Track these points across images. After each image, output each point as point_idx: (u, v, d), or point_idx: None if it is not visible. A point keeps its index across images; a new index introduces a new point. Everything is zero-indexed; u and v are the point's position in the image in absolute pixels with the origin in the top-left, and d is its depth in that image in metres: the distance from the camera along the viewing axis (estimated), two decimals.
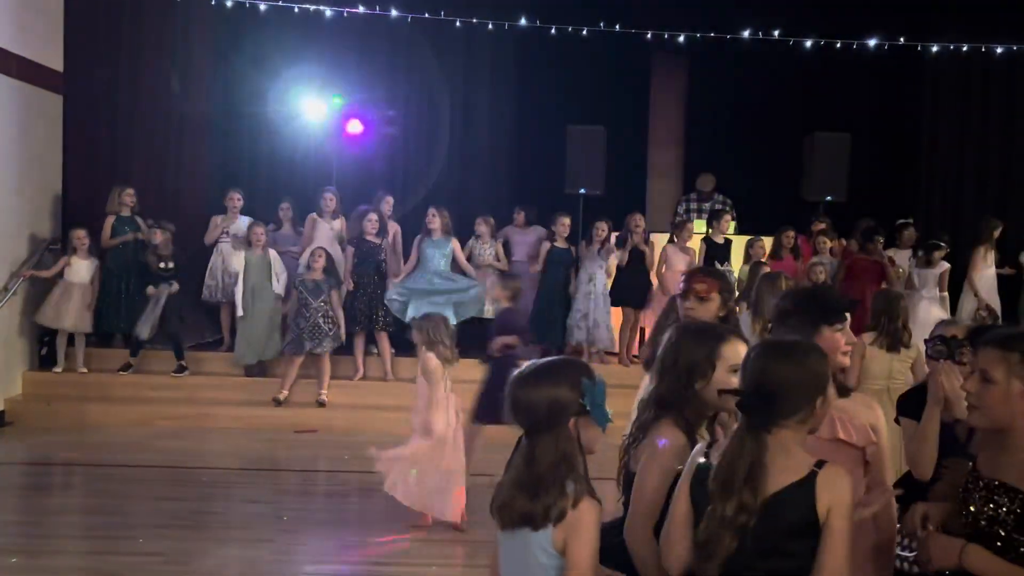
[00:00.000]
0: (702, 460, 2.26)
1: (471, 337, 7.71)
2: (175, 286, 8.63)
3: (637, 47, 10.88)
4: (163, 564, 5.04)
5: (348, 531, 5.77)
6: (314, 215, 9.19)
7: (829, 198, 10.10)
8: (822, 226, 9.58)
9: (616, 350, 9.23)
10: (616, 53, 10.89)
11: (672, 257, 9.12)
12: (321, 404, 8.54)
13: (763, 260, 8.54)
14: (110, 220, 8.83)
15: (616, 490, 2.71)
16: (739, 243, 9.40)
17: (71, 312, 8.52)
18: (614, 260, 9.00)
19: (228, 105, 10.48)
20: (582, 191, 9.90)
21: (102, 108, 9.73)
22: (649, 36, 10.71)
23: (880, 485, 2.86)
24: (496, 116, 11.29)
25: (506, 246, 9.47)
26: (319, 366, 8.57)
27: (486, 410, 5.92)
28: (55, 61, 9.09)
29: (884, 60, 10.78)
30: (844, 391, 2.87)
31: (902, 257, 9.50)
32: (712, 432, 2.57)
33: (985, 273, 9.53)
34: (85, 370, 8.75)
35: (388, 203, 9.48)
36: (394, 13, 10.34)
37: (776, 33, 10.64)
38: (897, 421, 3.46)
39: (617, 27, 10.42)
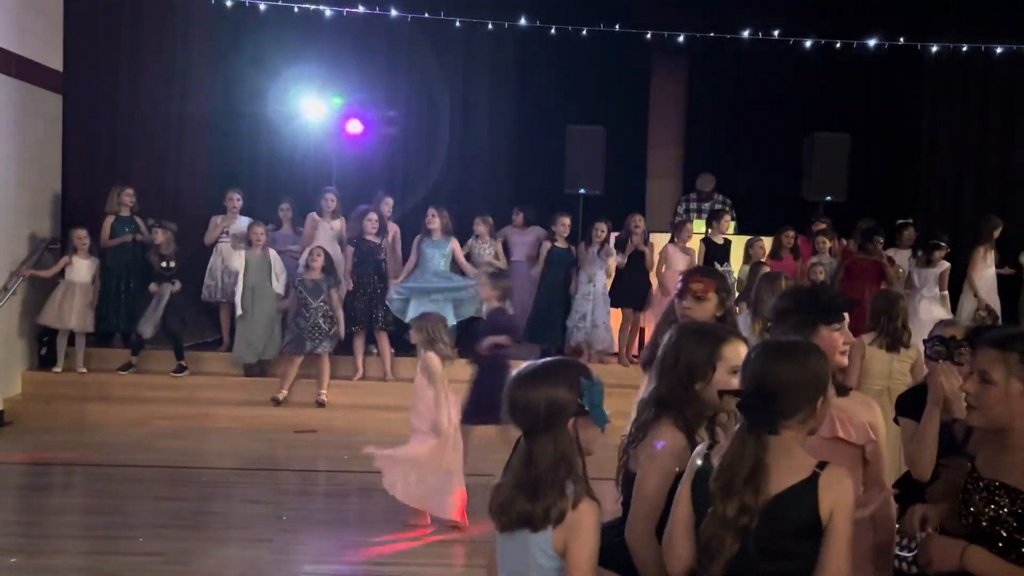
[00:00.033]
0: (703, 461, 2.26)
1: (470, 336, 7.70)
2: (177, 284, 8.63)
3: (637, 47, 10.89)
4: (163, 564, 5.04)
5: (348, 531, 5.76)
6: (314, 214, 9.20)
7: (829, 198, 10.09)
8: (822, 226, 9.58)
9: (616, 350, 9.23)
10: (616, 53, 10.89)
11: (673, 257, 9.12)
12: (321, 404, 8.54)
13: (763, 260, 8.54)
14: (109, 220, 8.82)
15: (615, 490, 2.71)
16: (739, 243, 9.40)
17: (75, 312, 8.52)
18: (613, 262, 9.00)
19: (228, 105, 10.47)
20: (582, 191, 9.89)
21: (102, 108, 9.74)
22: (649, 36, 10.71)
23: (878, 484, 2.86)
24: (496, 116, 11.28)
25: (505, 247, 9.47)
26: (319, 366, 8.57)
27: (476, 411, 5.92)
28: (55, 61, 9.09)
29: (884, 60, 10.78)
30: (843, 390, 2.87)
31: (902, 257, 9.50)
32: (711, 433, 2.57)
33: (985, 273, 9.53)
34: (84, 370, 8.75)
35: (388, 203, 9.48)
36: (394, 13, 10.34)
37: (776, 33, 10.64)
38: (896, 421, 3.46)
39: (617, 27, 10.42)
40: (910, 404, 3.35)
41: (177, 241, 8.78)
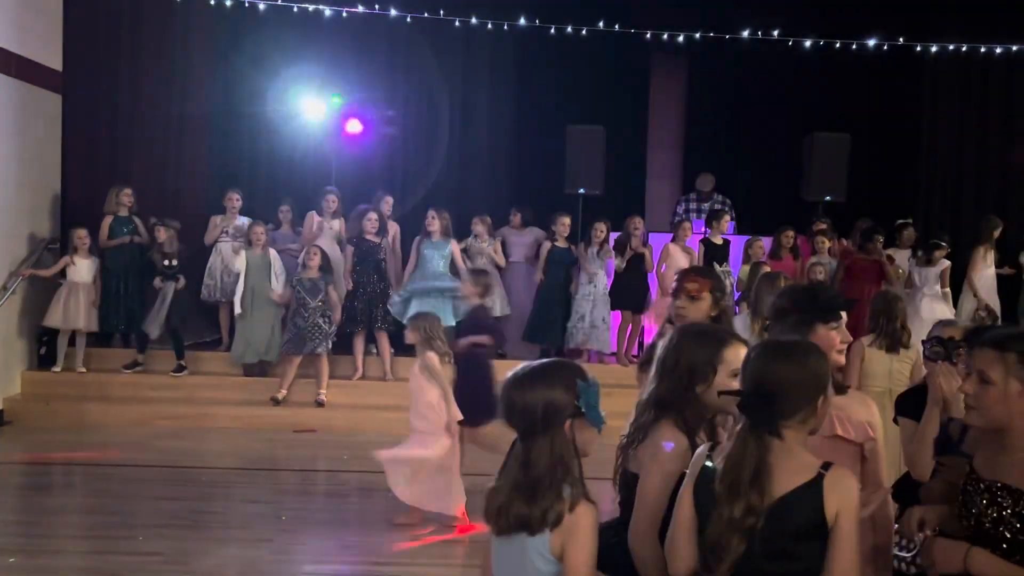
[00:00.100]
0: (707, 463, 2.25)
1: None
2: (181, 281, 8.64)
3: (636, 47, 10.88)
4: (163, 564, 5.04)
5: (348, 531, 5.77)
6: (314, 213, 9.19)
7: (828, 198, 10.09)
8: (822, 226, 9.57)
9: (615, 351, 9.22)
10: (615, 53, 10.88)
11: (674, 255, 9.10)
12: (320, 404, 8.54)
13: (763, 260, 8.54)
14: (108, 220, 8.82)
15: (612, 490, 2.71)
16: (739, 243, 9.40)
17: (80, 312, 8.53)
18: (611, 265, 9.01)
19: (227, 105, 10.46)
20: (581, 191, 9.89)
21: (102, 107, 9.74)
22: (648, 36, 10.70)
23: (876, 483, 2.86)
24: (495, 116, 11.28)
25: (503, 247, 9.46)
26: (318, 366, 8.57)
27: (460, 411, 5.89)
28: (54, 61, 9.09)
29: (883, 60, 10.78)
30: (840, 389, 2.87)
31: (902, 257, 9.49)
32: (712, 434, 2.56)
33: (985, 273, 9.52)
34: (84, 370, 8.75)
35: (387, 203, 9.47)
36: (393, 13, 10.33)
37: (775, 33, 10.63)
38: (896, 421, 3.46)
39: (616, 27, 10.41)
40: (909, 404, 3.36)
41: (179, 239, 8.79)
